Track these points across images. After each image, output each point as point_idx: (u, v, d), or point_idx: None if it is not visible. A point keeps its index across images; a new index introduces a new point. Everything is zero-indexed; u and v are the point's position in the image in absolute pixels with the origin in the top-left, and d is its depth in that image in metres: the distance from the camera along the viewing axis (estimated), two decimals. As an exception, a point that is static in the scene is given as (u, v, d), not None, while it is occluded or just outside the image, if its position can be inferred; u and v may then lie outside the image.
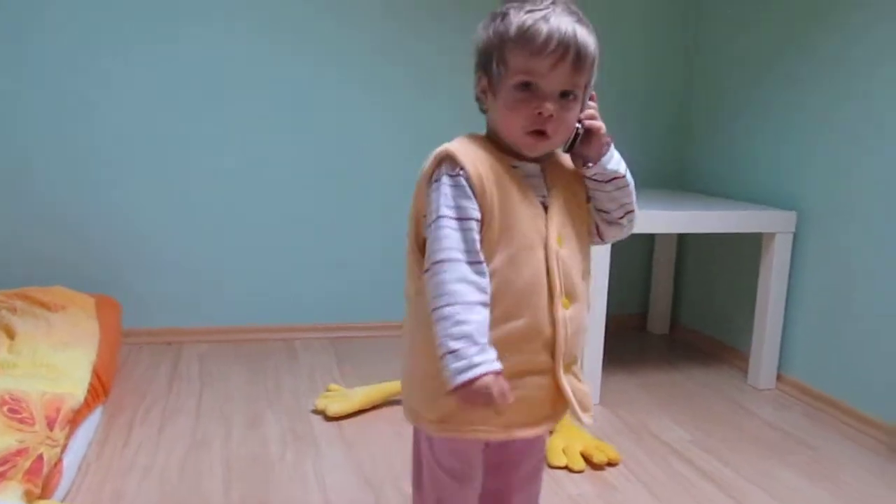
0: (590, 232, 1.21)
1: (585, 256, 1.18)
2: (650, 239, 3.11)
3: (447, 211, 1.05)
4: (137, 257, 2.70)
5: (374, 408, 2.22)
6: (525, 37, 1.05)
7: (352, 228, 2.87)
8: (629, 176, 1.18)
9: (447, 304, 1.02)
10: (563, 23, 1.05)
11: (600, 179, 1.16)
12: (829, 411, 2.33)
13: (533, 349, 1.11)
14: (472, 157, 1.08)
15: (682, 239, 3.07)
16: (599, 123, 1.14)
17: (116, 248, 2.68)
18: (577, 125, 1.13)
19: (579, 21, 1.08)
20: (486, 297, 1.04)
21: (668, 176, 3.12)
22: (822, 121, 2.37)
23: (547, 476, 1.86)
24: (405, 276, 1.18)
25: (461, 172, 1.06)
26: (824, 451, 2.08)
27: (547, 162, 1.16)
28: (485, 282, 1.04)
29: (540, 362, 1.12)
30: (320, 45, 2.74)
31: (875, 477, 1.94)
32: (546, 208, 1.13)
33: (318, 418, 2.15)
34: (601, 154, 1.14)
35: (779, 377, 2.54)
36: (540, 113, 1.06)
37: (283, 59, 2.71)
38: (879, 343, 2.16)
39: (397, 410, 2.20)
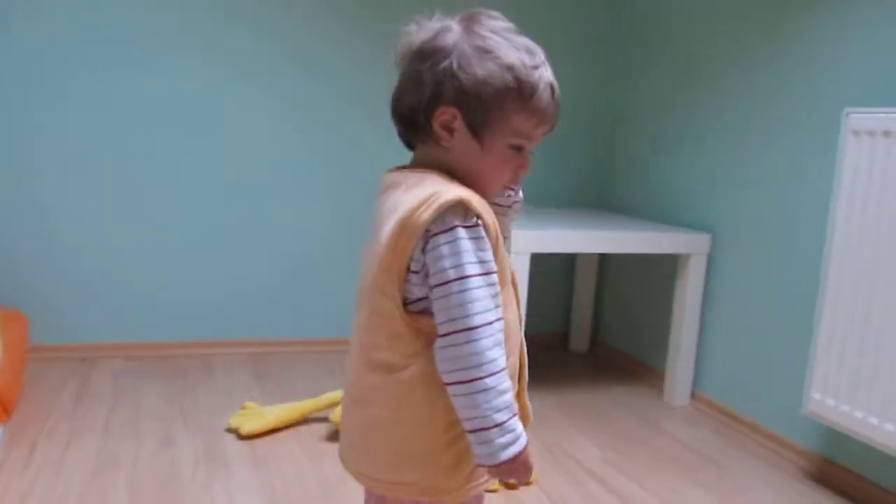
0: None
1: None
2: (572, 258, 3.15)
3: (473, 268, 0.95)
4: (49, 270, 2.62)
5: (289, 427, 2.19)
6: (537, 104, 1.02)
7: (269, 243, 2.84)
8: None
9: (488, 374, 0.94)
10: (555, 84, 1.05)
11: (503, 205, 1.12)
12: (740, 429, 2.39)
13: (514, 379, 1.08)
14: (483, 203, 1.00)
15: (602, 258, 3.12)
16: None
17: (27, 261, 2.59)
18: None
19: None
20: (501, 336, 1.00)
21: (590, 196, 3.18)
22: (731, 145, 2.44)
23: (460, 496, 1.87)
24: (372, 342, 1.03)
25: (479, 222, 0.97)
26: (734, 469, 2.13)
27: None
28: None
29: (514, 390, 1.08)
30: (230, 57, 2.71)
31: (782, 496, 2.00)
32: None
33: (231, 437, 2.11)
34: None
35: (693, 395, 2.59)
36: (522, 171, 1.07)
37: (188, 69, 2.68)
38: (789, 364, 2.23)
39: (313, 429, 2.18)
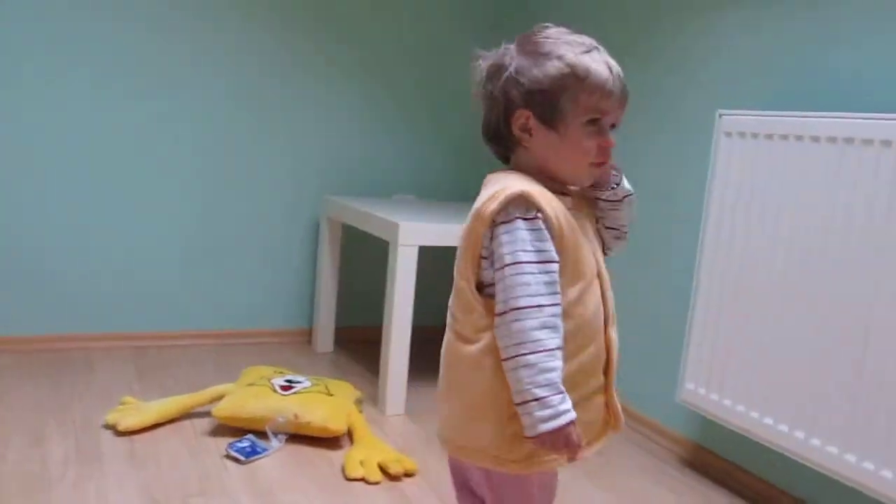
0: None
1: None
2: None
3: (526, 255, 1.05)
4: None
5: (170, 422, 2.13)
6: (596, 79, 1.10)
7: (152, 233, 2.76)
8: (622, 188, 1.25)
9: (531, 352, 1.03)
10: (613, 63, 1.14)
11: (615, 199, 1.22)
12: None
13: (596, 374, 1.17)
14: (545, 197, 1.09)
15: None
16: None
17: None
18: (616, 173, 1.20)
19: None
20: (562, 342, 1.06)
21: (478, 186, 3.20)
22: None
23: (342, 489, 1.87)
24: (453, 314, 1.16)
25: (539, 215, 1.07)
26: (613, 457, 2.19)
27: (570, 195, 1.20)
28: (561, 325, 1.06)
29: (598, 384, 1.18)
30: (109, 58, 2.62)
31: (658, 482, 2.07)
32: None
33: (108, 434, 2.04)
34: (611, 178, 1.21)
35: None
36: (605, 146, 1.13)
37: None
38: (665, 355, 2.31)
39: (196, 424, 2.14)
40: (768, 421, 1.83)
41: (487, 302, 1.10)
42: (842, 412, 1.66)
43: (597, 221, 1.25)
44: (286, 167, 2.89)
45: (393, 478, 1.93)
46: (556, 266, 1.07)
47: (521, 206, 1.07)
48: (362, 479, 1.91)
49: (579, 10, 2.71)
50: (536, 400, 1.02)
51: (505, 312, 1.05)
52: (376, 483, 1.90)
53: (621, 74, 1.14)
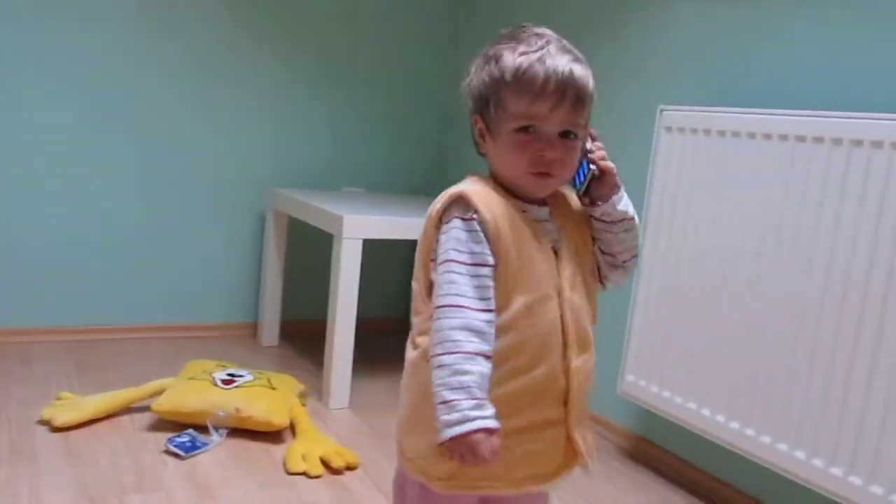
0: (594, 275, 1.17)
1: (593, 301, 1.15)
2: (408, 243, 3.16)
3: (457, 255, 1.01)
4: None
5: (108, 417, 2.09)
6: (523, 80, 1.03)
7: (95, 226, 2.70)
8: (637, 218, 1.16)
9: (447, 353, 0.97)
10: (559, 63, 1.03)
11: (608, 220, 1.13)
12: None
13: (548, 402, 1.08)
14: (486, 199, 1.04)
15: (443, 244, 3.16)
16: (611, 164, 1.13)
17: None
18: (592, 166, 1.12)
19: (575, 59, 1.06)
20: (488, 348, 0.99)
21: (430, 182, 3.21)
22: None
23: (283, 483, 1.85)
24: (412, 320, 1.12)
25: (475, 216, 1.02)
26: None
27: (553, 204, 1.13)
28: (491, 332, 1.00)
29: (554, 415, 1.08)
30: (41, 52, 2.56)
31: (600, 474, 2.09)
32: (556, 253, 1.09)
33: (43, 430, 2.00)
34: (611, 194, 1.12)
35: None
36: (542, 156, 1.04)
37: None
38: (608, 347, 2.33)
39: (135, 420, 2.10)
40: (705, 412, 1.86)
41: (429, 305, 1.05)
42: (774, 403, 1.70)
43: (594, 241, 1.17)
44: (233, 159, 2.85)
45: (335, 471, 1.92)
46: (487, 270, 1.01)
47: (460, 206, 1.04)
48: (304, 473, 1.90)
49: (526, 10, 2.71)
50: (445, 403, 0.96)
51: (434, 310, 1.00)
52: (318, 477, 1.89)
53: (569, 75, 1.03)
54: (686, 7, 2.11)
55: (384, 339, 3.07)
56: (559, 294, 1.07)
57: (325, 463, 1.94)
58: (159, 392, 2.12)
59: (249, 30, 2.81)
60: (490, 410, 0.97)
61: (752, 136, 1.77)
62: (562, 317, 1.06)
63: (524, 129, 1.04)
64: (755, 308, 1.74)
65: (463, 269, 1.00)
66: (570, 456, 1.11)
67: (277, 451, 2.01)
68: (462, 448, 0.96)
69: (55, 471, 1.80)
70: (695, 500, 1.98)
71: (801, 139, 1.65)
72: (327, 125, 2.99)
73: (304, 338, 2.93)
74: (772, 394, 1.70)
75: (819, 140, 1.61)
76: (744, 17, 1.96)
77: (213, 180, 2.83)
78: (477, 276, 1.00)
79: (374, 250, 2.86)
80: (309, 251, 2.94)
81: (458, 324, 0.98)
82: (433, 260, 1.05)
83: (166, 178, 2.77)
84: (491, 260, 1.02)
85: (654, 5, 2.21)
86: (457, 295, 0.99)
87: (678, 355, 1.93)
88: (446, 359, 0.97)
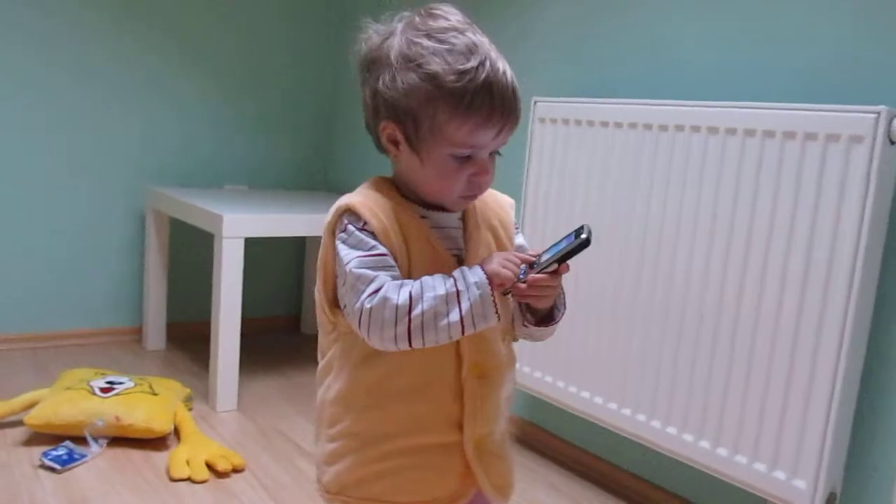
0: None
1: (508, 315, 1.07)
2: (301, 241, 3.14)
3: (357, 254, 0.96)
4: None
5: (-22, 433, 2.00)
6: (469, 108, 0.93)
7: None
8: (560, 316, 1.08)
9: (415, 313, 0.91)
10: (502, 81, 0.94)
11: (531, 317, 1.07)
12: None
13: (439, 425, 1.02)
14: (374, 208, 0.98)
15: (333, 240, 3.14)
16: (534, 300, 1.00)
17: None
18: (511, 294, 0.98)
19: (502, 57, 0.98)
20: (395, 281, 0.95)
21: (314, 177, 3.18)
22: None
23: (166, 490, 1.81)
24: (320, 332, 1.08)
25: (365, 226, 0.97)
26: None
27: (470, 209, 1.06)
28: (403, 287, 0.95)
29: (447, 439, 1.03)
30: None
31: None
32: (461, 263, 1.01)
33: None
34: (543, 317, 1.06)
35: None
36: (475, 180, 0.98)
37: None
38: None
39: (8, 434, 2.01)
40: (585, 395, 1.91)
41: (332, 315, 1.03)
42: (648, 385, 1.77)
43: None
44: (109, 159, 2.75)
45: (221, 474, 1.89)
46: (390, 259, 0.96)
47: (349, 216, 0.99)
48: (188, 479, 1.86)
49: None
50: (442, 298, 0.92)
51: (363, 306, 0.93)
52: (203, 482, 1.86)
53: (514, 96, 0.97)
54: (559, 8, 2.15)
55: (271, 338, 3.04)
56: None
57: (210, 467, 1.90)
58: (32, 405, 2.03)
59: (122, 25, 2.71)
60: (471, 270, 0.95)
61: (619, 125, 1.82)
62: (459, 341, 0.99)
63: (462, 157, 0.97)
64: (629, 291, 1.80)
65: (368, 260, 0.96)
66: (469, 484, 1.05)
67: (160, 458, 1.96)
68: (498, 276, 0.93)
69: (-83, 493, 1.71)
70: (576, 478, 2.04)
71: (679, 128, 1.69)
72: (207, 122, 2.92)
73: (190, 340, 2.86)
74: (647, 376, 1.77)
75: (696, 129, 1.65)
76: (613, 10, 2.01)
77: (88, 181, 2.73)
78: (382, 266, 0.96)
79: (258, 248, 2.82)
80: (192, 251, 2.88)
81: (392, 290, 0.93)
82: (336, 277, 1.01)
83: (39, 180, 2.64)
84: (390, 256, 0.97)
85: (531, 6, 2.25)
86: (376, 278, 0.94)
87: (560, 340, 1.98)
88: (423, 314, 0.91)
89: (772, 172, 1.52)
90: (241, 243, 2.24)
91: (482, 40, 0.97)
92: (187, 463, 1.89)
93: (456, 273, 0.95)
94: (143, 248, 2.81)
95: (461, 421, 1.02)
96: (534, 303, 1.01)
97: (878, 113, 1.37)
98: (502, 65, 0.96)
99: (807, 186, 1.47)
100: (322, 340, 1.08)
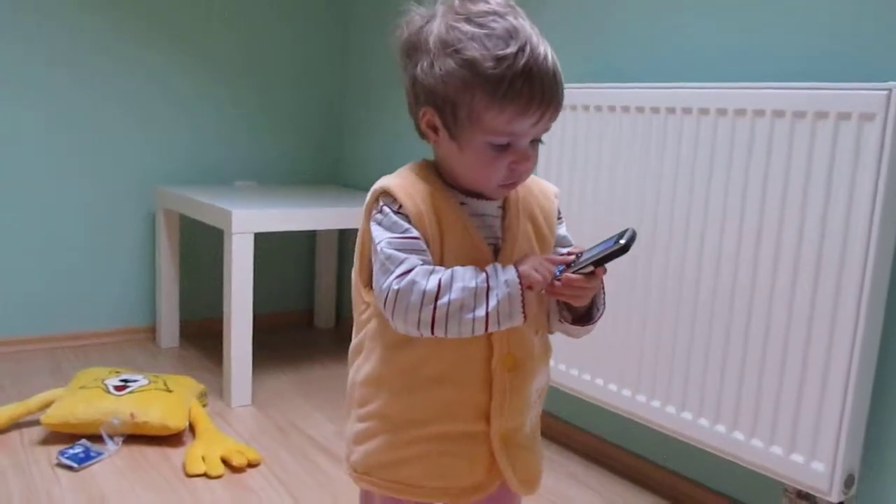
0: None
1: (544, 306, 1.06)
2: (312, 236, 3.14)
3: (389, 235, 0.95)
4: None
5: (-5, 434, 2.02)
6: (506, 95, 0.90)
7: (-22, 235, 2.59)
8: (598, 316, 1.06)
9: (443, 292, 0.91)
10: (543, 68, 0.91)
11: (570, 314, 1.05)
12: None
13: (467, 415, 1.01)
14: (411, 192, 0.97)
15: (342, 234, 3.14)
16: (570, 299, 0.98)
17: None
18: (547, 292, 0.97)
19: (544, 41, 0.94)
20: (427, 266, 0.95)
21: (324, 172, 3.18)
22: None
23: (182, 486, 1.82)
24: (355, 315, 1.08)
25: (401, 209, 0.96)
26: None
27: (513, 197, 1.04)
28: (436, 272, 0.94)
29: (474, 428, 1.02)
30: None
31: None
32: (497, 252, 1.00)
33: (-76, 453, 1.91)
34: (581, 317, 1.04)
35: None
36: (515, 169, 0.96)
37: None
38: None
39: (25, 434, 2.03)
40: (599, 382, 1.90)
41: (370, 295, 1.02)
42: (671, 372, 1.76)
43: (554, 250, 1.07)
44: (119, 159, 2.75)
45: (237, 470, 1.90)
46: (422, 243, 0.96)
47: (385, 198, 0.98)
48: (204, 475, 1.86)
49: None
50: (472, 292, 0.91)
51: (391, 287, 0.93)
52: (218, 477, 1.86)
53: (556, 83, 0.93)
54: (561, -14, 2.14)
55: (285, 333, 3.04)
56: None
57: (226, 462, 1.91)
58: (49, 404, 2.04)
59: (127, 28, 2.71)
60: (504, 269, 0.94)
61: (638, 109, 1.78)
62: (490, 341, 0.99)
63: (500, 145, 0.95)
64: (643, 282, 1.79)
65: (400, 242, 0.95)
66: (495, 475, 1.05)
67: (176, 454, 1.97)
68: (531, 278, 0.93)
69: (-64, 495, 1.73)
70: (595, 466, 2.04)
71: (687, 111, 1.64)
72: (215, 121, 2.92)
73: (204, 337, 2.87)
74: (661, 362, 1.76)
75: (705, 111, 1.60)
76: (615, -6, 2.00)
77: (99, 183, 2.74)
78: (413, 249, 0.95)
79: (269, 243, 2.83)
80: (204, 248, 2.88)
81: (422, 275, 0.92)
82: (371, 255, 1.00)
83: (47, 183, 2.66)
84: (423, 240, 0.96)
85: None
86: (400, 262, 0.94)
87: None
88: (449, 304, 0.91)
89: (783, 153, 1.50)
90: (251, 238, 2.24)
91: (523, 24, 0.93)
92: (203, 459, 1.90)
93: (489, 269, 0.94)
94: (154, 248, 2.82)
95: (489, 412, 1.01)
96: (569, 301, 0.99)
97: (890, 90, 1.35)
98: (544, 49, 0.92)
99: (818, 166, 1.45)
100: (356, 321, 1.07)
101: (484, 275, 0.93)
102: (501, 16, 0.93)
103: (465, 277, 0.92)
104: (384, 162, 2.91)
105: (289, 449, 2.05)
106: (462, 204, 1.00)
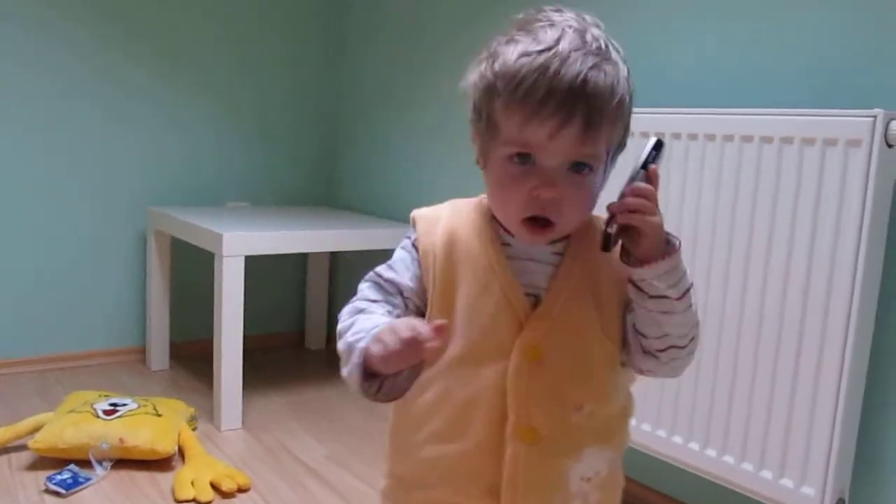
0: (616, 351, 0.89)
1: (600, 381, 0.88)
2: (303, 256, 3.14)
3: (384, 267, 0.91)
4: None
5: (-17, 459, 2.00)
6: (516, 93, 0.77)
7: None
8: (690, 299, 0.84)
9: (340, 334, 0.85)
10: (569, 70, 0.76)
11: (642, 290, 0.83)
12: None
13: (472, 487, 0.87)
14: (435, 223, 0.89)
15: (334, 255, 3.14)
16: (641, 219, 0.79)
17: None
18: (609, 227, 0.81)
19: (599, 62, 0.79)
20: (364, 305, 0.88)
21: (317, 193, 3.19)
22: (435, 139, 2.55)
23: (170, 513, 1.81)
24: None
25: (416, 242, 0.89)
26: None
27: (577, 238, 0.87)
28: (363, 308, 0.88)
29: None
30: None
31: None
32: (538, 303, 0.85)
33: (-90, 478, 1.89)
34: (648, 260, 0.80)
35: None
36: (537, 195, 0.79)
37: None
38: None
39: (13, 459, 2.01)
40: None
41: None
42: (661, 396, 1.76)
43: (628, 308, 0.88)
44: (110, 180, 2.75)
45: (226, 494, 1.89)
46: (393, 288, 0.89)
47: (412, 226, 0.92)
48: (193, 500, 1.85)
49: (408, 19, 2.72)
50: (346, 361, 0.83)
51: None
52: (208, 503, 1.85)
53: (580, 87, 0.77)
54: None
55: (276, 355, 3.03)
56: (508, 355, 0.84)
57: (215, 487, 1.89)
58: (38, 428, 2.03)
59: (120, 47, 2.72)
60: (360, 335, 0.83)
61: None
62: (506, 386, 0.84)
63: (520, 159, 0.80)
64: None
65: (376, 278, 0.90)
66: None
67: (165, 479, 1.96)
68: (376, 360, 0.78)
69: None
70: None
71: (676, 136, 1.65)
72: (209, 141, 2.93)
73: (194, 359, 2.86)
74: (651, 387, 1.76)
75: (693, 137, 1.65)
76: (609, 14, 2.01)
77: (90, 202, 2.73)
78: (384, 291, 0.89)
79: (261, 264, 2.82)
80: (195, 269, 2.87)
81: (349, 311, 0.88)
82: None
83: (38, 201, 2.65)
84: (409, 284, 0.89)
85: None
86: (358, 300, 0.89)
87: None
88: (339, 351, 0.85)
89: (770, 178, 1.51)
90: (242, 261, 2.24)
91: (576, 37, 0.80)
92: (192, 484, 1.89)
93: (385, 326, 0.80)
94: (145, 269, 2.81)
95: (498, 493, 0.85)
96: (639, 224, 0.79)
97: (875, 116, 1.37)
98: (590, 61, 0.78)
99: (805, 192, 1.46)
100: None
101: (364, 333, 0.80)
102: (554, 25, 0.82)
103: (360, 329, 0.82)
104: (379, 184, 2.92)
105: (279, 473, 2.04)
106: (505, 245, 0.87)
